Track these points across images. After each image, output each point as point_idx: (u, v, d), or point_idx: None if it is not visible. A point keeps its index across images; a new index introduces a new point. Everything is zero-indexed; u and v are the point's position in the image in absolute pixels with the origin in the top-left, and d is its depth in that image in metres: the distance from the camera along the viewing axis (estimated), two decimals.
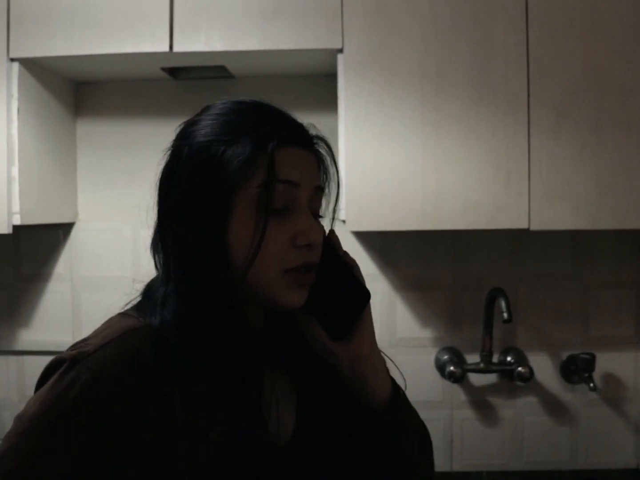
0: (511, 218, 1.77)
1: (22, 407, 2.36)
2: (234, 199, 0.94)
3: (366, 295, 1.01)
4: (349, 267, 1.02)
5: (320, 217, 1.03)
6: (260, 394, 0.97)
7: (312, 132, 1.02)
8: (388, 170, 1.78)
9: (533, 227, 1.77)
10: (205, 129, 0.97)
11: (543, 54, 1.76)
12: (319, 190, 1.01)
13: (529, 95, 1.76)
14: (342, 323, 1.01)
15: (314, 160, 1.00)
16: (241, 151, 0.93)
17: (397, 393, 1.05)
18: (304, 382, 1.06)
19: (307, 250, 0.96)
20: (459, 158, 1.77)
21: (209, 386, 0.93)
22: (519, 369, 2.03)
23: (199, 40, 1.79)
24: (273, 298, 0.96)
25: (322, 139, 1.03)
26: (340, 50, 1.78)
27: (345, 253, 1.04)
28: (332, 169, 1.05)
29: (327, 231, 1.04)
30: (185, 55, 1.84)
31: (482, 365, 2.07)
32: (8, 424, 2.17)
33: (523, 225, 1.77)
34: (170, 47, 1.79)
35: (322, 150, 1.03)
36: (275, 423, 0.98)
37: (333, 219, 1.07)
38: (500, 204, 1.77)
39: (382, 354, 1.05)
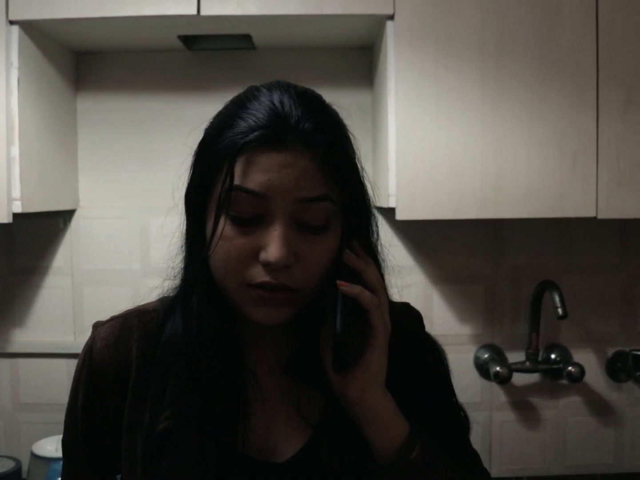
0: (577, 205, 1.61)
1: (17, 415, 2.12)
2: (207, 198, 0.89)
3: (341, 349, 0.87)
4: (346, 301, 0.88)
5: (322, 230, 0.87)
6: (241, 401, 0.92)
7: (317, 132, 0.85)
8: (444, 151, 1.59)
9: (600, 216, 1.61)
10: (215, 117, 0.93)
11: (614, 24, 1.59)
12: (312, 202, 0.85)
13: (597, 70, 1.59)
14: (338, 354, 0.89)
15: (306, 166, 0.84)
16: (214, 150, 0.87)
17: (405, 453, 0.89)
18: (331, 404, 0.94)
19: (270, 268, 0.84)
20: (521, 139, 1.60)
21: (181, 378, 0.91)
22: (569, 368, 1.87)
23: (231, 2, 1.57)
24: (241, 311, 0.89)
25: (329, 140, 0.86)
26: (391, 17, 1.59)
27: (352, 282, 0.88)
28: (347, 173, 0.89)
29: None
30: (212, 20, 1.62)
31: (528, 364, 1.92)
32: (1, 435, 1.95)
33: (590, 213, 1.61)
34: (198, 9, 1.57)
35: (329, 153, 0.85)
36: (265, 435, 0.94)
37: (345, 236, 0.90)
38: (566, 190, 1.60)
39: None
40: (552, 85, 1.59)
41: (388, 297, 0.94)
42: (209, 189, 0.88)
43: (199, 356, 0.90)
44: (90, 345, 0.98)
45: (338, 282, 0.87)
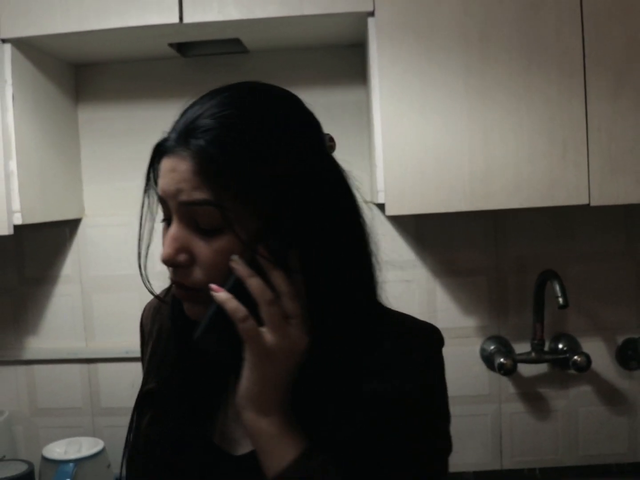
0: (569, 193, 1.59)
1: (34, 420, 2.17)
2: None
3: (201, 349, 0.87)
4: (219, 310, 0.84)
5: (216, 233, 0.85)
6: (215, 394, 0.98)
7: (199, 138, 0.83)
8: (430, 146, 1.59)
9: (594, 203, 1.59)
10: None
11: (599, 7, 1.56)
12: (191, 206, 0.84)
13: (584, 55, 1.57)
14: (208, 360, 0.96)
15: (185, 170, 0.83)
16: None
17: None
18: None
19: (168, 266, 0.89)
20: (508, 129, 1.59)
21: (169, 355, 1.00)
22: (575, 357, 1.85)
23: (212, 8, 1.60)
24: None
25: (210, 145, 0.82)
26: (372, 14, 1.59)
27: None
28: (237, 179, 0.82)
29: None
30: (197, 27, 1.64)
31: (533, 354, 1.90)
32: (21, 440, 2.02)
33: (582, 200, 1.59)
34: (180, 18, 1.60)
35: (209, 159, 0.82)
36: (234, 426, 0.96)
37: (246, 241, 0.85)
38: (557, 178, 1.59)
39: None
40: (538, 73, 1.58)
41: (294, 312, 0.85)
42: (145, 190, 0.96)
43: (183, 340, 0.97)
44: (144, 307, 1.15)
45: (210, 285, 0.85)
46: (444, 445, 0.94)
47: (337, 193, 0.91)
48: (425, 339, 0.96)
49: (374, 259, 0.95)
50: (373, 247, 0.95)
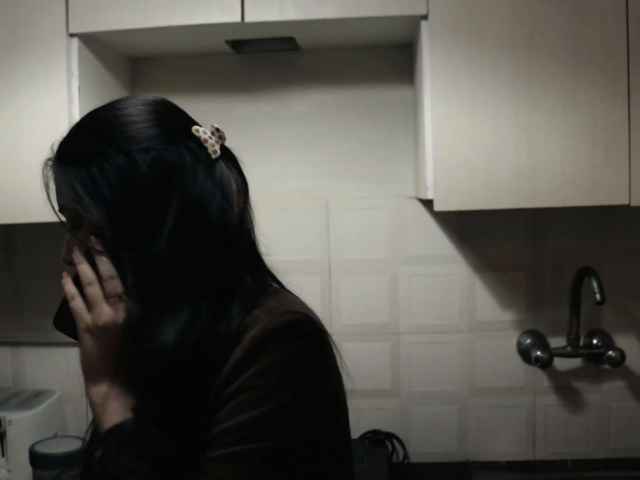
0: (610, 193, 1.65)
1: (84, 400, 2.24)
2: None
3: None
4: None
5: (75, 232, 0.97)
6: None
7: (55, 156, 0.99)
8: (478, 144, 1.66)
9: (634, 203, 1.65)
10: None
11: None
12: (62, 211, 0.98)
13: (628, 60, 1.63)
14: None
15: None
16: None
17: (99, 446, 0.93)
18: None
19: None
20: (553, 130, 1.65)
21: None
22: (610, 352, 1.91)
23: (273, 9, 1.67)
24: None
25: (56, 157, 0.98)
26: (425, 17, 1.66)
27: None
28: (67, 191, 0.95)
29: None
30: (256, 25, 1.72)
31: (569, 349, 1.96)
32: (71, 419, 2.10)
33: (623, 201, 1.65)
34: (242, 17, 1.68)
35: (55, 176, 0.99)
36: None
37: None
38: (599, 179, 1.65)
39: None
40: (583, 77, 1.64)
41: (110, 292, 0.93)
42: None
43: None
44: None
45: (63, 273, 0.98)
46: (247, 434, 0.86)
47: (168, 191, 0.92)
48: (268, 325, 0.90)
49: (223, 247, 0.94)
50: (225, 238, 0.94)
